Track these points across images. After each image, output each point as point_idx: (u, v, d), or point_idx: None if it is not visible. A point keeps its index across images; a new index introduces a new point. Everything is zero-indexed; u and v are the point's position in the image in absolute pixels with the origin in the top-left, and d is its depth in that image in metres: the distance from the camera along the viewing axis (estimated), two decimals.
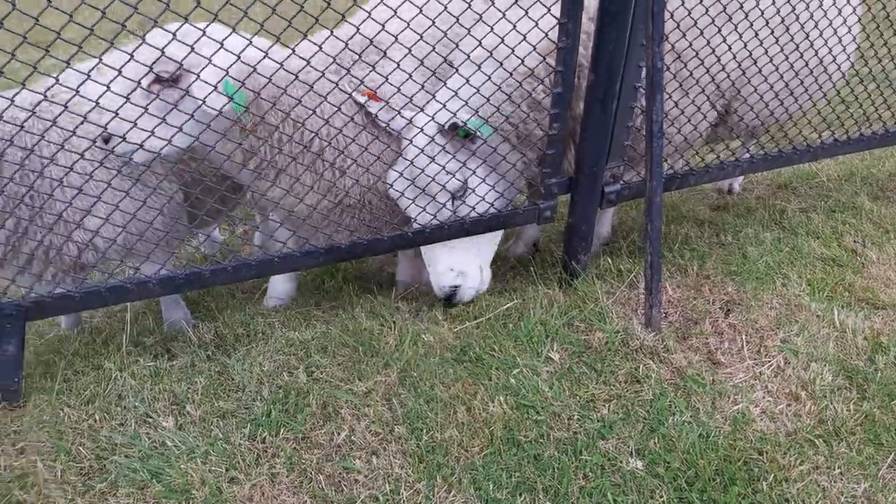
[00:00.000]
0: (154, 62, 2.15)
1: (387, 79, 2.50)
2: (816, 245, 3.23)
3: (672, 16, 2.56)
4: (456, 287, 2.82)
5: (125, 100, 2.09)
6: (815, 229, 3.39)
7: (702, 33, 2.69)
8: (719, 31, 2.69)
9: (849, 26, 3.10)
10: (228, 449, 2.18)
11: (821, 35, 2.93)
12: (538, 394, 2.34)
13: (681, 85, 2.79)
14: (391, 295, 3.15)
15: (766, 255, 3.12)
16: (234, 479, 2.09)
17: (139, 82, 2.19)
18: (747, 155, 3.29)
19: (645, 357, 2.50)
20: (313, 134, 2.51)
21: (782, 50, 2.85)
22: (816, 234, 3.35)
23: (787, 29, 2.82)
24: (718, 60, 2.76)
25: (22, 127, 2.13)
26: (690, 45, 2.69)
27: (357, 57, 2.54)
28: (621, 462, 2.10)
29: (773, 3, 2.74)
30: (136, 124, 2.11)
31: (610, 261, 3.08)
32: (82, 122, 2.07)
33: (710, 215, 3.72)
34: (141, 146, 2.20)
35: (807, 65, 2.99)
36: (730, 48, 2.74)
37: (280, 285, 3.30)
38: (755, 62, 2.82)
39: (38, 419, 2.33)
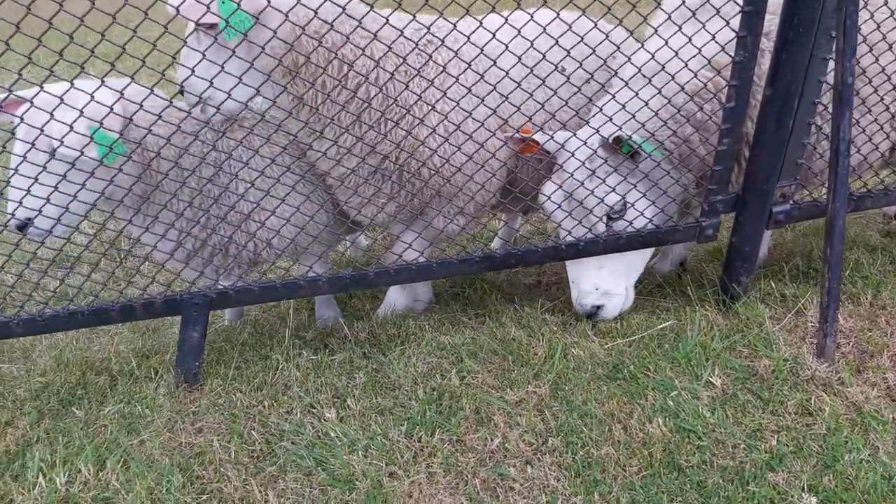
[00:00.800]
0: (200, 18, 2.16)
1: (542, 105, 2.53)
2: None
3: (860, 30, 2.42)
4: (598, 307, 2.76)
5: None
6: None
7: (891, 48, 2.52)
8: None
9: None
10: (387, 444, 2.25)
11: None
12: (699, 418, 2.26)
13: (864, 102, 2.62)
14: (536, 305, 3.15)
15: None
16: (394, 475, 2.15)
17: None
18: None
19: (817, 388, 2.35)
20: (362, 77, 2.40)
21: None
22: None
23: None
24: None
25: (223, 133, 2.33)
26: (877, 60, 2.53)
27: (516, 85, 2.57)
28: (793, 497, 1.98)
29: None
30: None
31: (773, 285, 2.93)
32: (275, 131, 2.21)
33: (881, 241, 3.45)
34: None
35: None
36: None
37: (422, 288, 3.37)
38: None
39: (213, 402, 2.51)
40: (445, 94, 2.46)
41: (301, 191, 2.60)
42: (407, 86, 2.43)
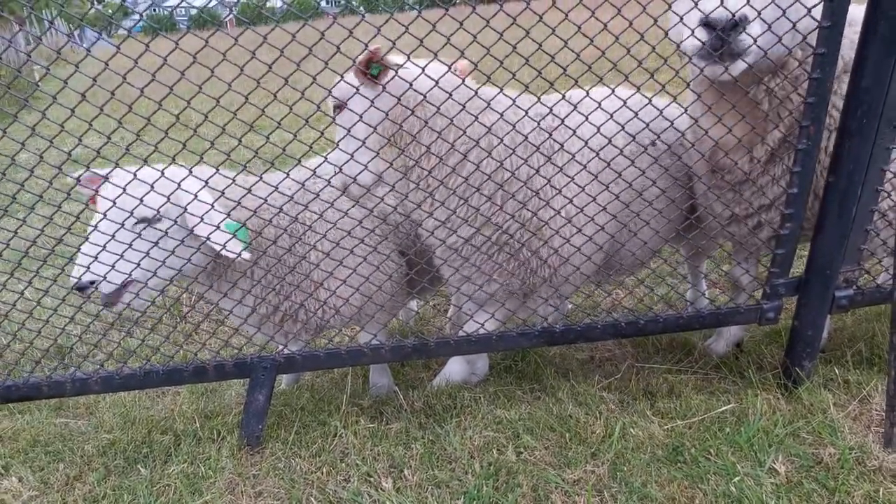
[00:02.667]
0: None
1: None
2: None
3: None
4: None
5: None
6: None
7: None
8: None
9: None
10: None
11: None
12: None
13: None
14: (592, 381, 3.14)
15: None
16: None
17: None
18: None
19: (885, 479, 2.29)
20: (463, 157, 2.48)
21: None
22: None
23: None
24: None
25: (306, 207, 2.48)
26: None
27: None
28: None
29: None
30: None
31: (836, 371, 2.88)
32: (354, 205, 2.33)
33: None
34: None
35: None
36: None
37: (480, 362, 3.40)
38: None
39: (273, 466, 2.55)
40: (573, 179, 2.54)
41: (371, 261, 2.70)
42: (525, 161, 2.53)
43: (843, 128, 2.36)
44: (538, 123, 2.52)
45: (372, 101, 2.35)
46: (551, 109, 2.55)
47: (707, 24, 2.09)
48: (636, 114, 2.59)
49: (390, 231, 2.83)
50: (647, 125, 2.64)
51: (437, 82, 2.37)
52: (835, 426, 2.52)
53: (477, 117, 2.40)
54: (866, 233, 2.61)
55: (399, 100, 2.34)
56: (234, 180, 2.36)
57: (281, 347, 2.62)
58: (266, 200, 2.49)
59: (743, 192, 2.68)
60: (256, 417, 2.52)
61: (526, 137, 2.50)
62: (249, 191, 2.40)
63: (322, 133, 2.33)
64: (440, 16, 2.20)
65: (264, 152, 2.45)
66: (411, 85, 2.31)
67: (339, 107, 2.46)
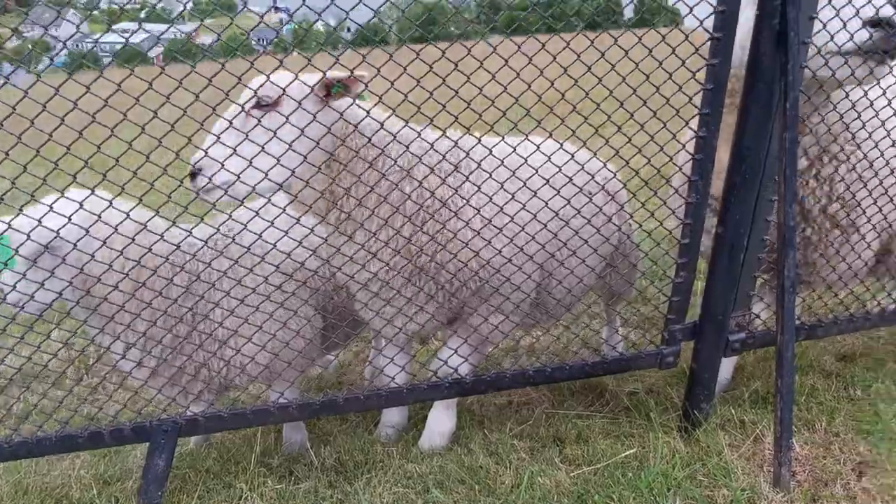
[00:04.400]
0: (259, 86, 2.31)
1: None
2: None
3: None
4: None
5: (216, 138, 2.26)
6: None
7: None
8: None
9: None
10: None
11: None
12: None
13: (853, 222, 2.85)
14: (505, 429, 3.17)
15: None
16: None
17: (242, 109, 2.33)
18: (878, 308, 3.19)
19: None
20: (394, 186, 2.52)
21: None
22: None
23: None
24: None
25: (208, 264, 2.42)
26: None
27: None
28: None
29: None
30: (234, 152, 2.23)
31: (733, 411, 3.01)
32: (260, 262, 2.30)
33: (836, 366, 3.57)
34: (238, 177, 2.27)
35: None
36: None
37: (396, 416, 3.37)
38: None
39: None
40: (479, 188, 2.57)
41: (279, 318, 2.66)
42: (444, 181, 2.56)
43: (729, 183, 2.51)
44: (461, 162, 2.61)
45: (314, 115, 2.30)
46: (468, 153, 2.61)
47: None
48: (560, 168, 2.67)
49: (300, 287, 2.81)
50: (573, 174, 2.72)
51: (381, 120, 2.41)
52: (728, 468, 2.62)
53: (408, 147, 2.49)
54: (754, 279, 2.77)
55: (341, 115, 2.39)
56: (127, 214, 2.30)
57: (183, 409, 2.54)
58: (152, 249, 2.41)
59: None
60: (156, 484, 2.43)
61: (456, 168, 2.58)
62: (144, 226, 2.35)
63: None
64: (380, 54, 2.22)
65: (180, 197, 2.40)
66: (341, 115, 2.38)
67: (264, 106, 2.32)
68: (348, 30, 2.81)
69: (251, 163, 2.21)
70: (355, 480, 2.71)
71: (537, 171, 2.62)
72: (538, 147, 2.65)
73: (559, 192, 2.63)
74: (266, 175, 2.26)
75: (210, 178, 2.24)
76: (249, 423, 2.54)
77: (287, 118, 2.28)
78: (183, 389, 2.69)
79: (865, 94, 2.61)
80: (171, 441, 2.42)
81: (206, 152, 2.26)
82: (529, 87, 2.39)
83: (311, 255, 2.69)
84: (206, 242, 2.51)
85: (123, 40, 2.57)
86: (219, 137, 2.23)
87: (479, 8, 2.50)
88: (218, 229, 2.55)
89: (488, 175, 2.53)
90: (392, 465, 2.81)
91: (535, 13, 2.52)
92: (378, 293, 2.63)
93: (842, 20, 2.27)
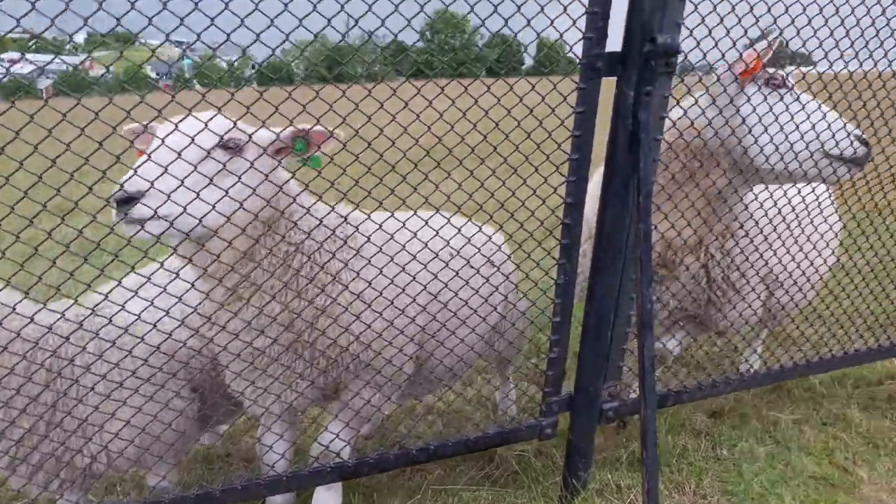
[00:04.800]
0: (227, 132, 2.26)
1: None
2: (808, 462, 3.31)
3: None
4: None
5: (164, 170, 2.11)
6: (808, 444, 3.48)
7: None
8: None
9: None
10: None
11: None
12: None
13: (743, 275, 3.25)
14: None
15: (761, 473, 3.19)
16: None
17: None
18: (736, 375, 3.44)
19: None
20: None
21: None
22: (808, 449, 3.43)
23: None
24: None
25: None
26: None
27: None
28: None
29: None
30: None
31: (609, 476, 3.14)
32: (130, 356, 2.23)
33: (706, 424, 3.79)
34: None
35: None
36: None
37: (279, 499, 3.27)
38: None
39: None
40: (347, 264, 2.59)
41: (148, 410, 2.57)
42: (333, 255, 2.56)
43: (595, 265, 2.67)
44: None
45: (252, 163, 2.26)
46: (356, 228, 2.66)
47: (866, 142, 2.82)
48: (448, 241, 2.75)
49: (180, 368, 2.73)
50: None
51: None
52: None
53: (322, 220, 2.53)
54: (623, 351, 2.93)
55: (266, 176, 2.33)
56: None
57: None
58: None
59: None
60: None
61: (345, 242, 2.62)
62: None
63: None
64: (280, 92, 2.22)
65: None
66: (281, 188, 2.34)
67: (230, 148, 2.26)
68: (254, 67, 2.79)
69: (200, 198, 2.15)
70: None
71: (429, 245, 2.69)
72: (426, 222, 2.70)
73: (436, 275, 2.71)
74: (204, 215, 2.19)
75: (155, 210, 2.08)
76: None
77: (252, 163, 2.27)
78: (45, 488, 2.55)
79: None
80: None
81: (152, 182, 2.08)
82: (429, 128, 2.38)
83: (191, 335, 2.62)
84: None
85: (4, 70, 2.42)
86: (166, 168, 2.10)
87: (384, 50, 2.52)
88: (93, 310, 2.46)
89: (355, 251, 2.58)
90: None
91: (437, 58, 2.57)
92: (253, 364, 2.58)
93: (831, 131, 2.81)
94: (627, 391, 3.18)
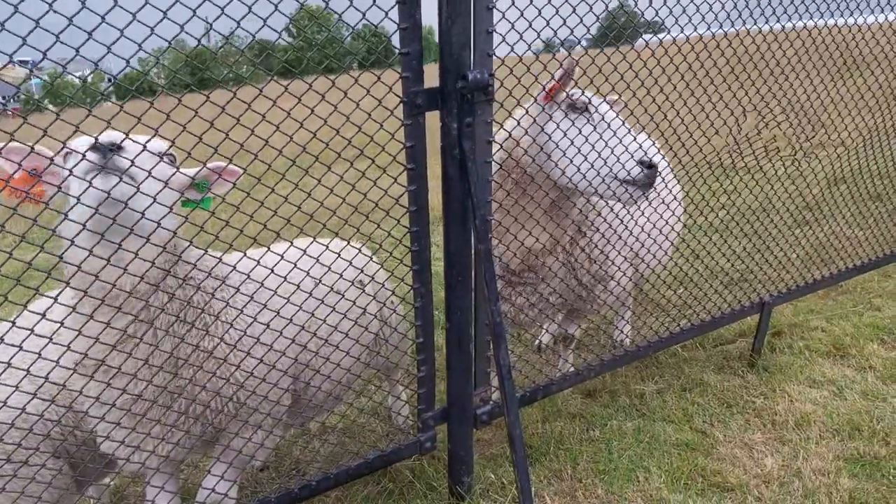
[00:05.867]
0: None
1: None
2: (672, 430, 3.60)
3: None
4: None
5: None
6: (670, 413, 3.78)
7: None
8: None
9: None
10: None
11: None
12: None
13: (605, 262, 3.48)
14: None
15: (629, 448, 3.45)
16: None
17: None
18: (598, 361, 3.69)
19: None
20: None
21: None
22: (671, 418, 3.73)
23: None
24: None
25: None
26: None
27: None
28: None
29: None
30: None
31: (493, 476, 3.30)
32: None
33: (580, 406, 4.05)
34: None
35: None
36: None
37: None
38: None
39: None
40: (228, 303, 2.59)
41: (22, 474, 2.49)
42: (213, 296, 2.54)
43: (447, 285, 2.79)
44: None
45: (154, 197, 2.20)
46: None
47: (650, 164, 2.93)
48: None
49: (41, 440, 2.64)
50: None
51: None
52: None
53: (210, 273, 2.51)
54: (488, 359, 3.09)
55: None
56: None
57: None
58: None
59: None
60: None
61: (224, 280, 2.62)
62: None
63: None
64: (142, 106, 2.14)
65: None
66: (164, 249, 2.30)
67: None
68: (110, 80, 2.68)
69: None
70: None
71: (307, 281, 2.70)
72: (282, 256, 2.71)
73: (300, 307, 2.74)
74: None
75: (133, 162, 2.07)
76: None
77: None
78: None
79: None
80: None
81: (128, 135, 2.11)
82: (302, 124, 2.34)
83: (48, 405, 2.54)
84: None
85: None
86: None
87: (249, 51, 2.46)
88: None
89: (235, 289, 2.59)
90: None
91: (305, 53, 2.53)
92: (130, 411, 2.50)
93: (615, 155, 2.99)
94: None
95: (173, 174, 2.35)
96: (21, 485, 2.53)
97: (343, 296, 2.91)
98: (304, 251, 2.74)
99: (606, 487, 3.17)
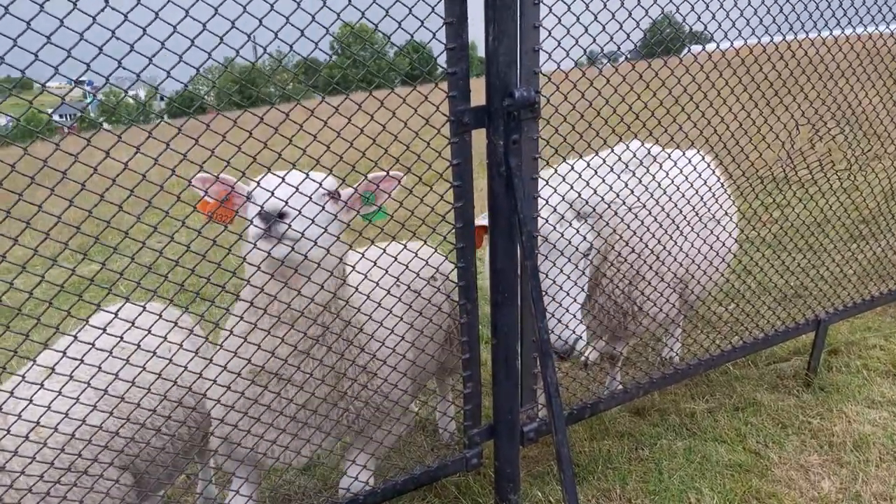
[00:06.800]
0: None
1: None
2: (724, 451, 3.52)
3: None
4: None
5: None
6: (722, 433, 3.69)
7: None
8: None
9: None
10: None
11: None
12: None
13: (652, 280, 3.44)
14: None
15: (680, 469, 3.38)
16: None
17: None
18: (646, 379, 3.62)
19: None
20: None
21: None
22: (723, 438, 3.65)
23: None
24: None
25: None
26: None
27: None
28: None
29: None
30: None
31: (540, 494, 3.27)
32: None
33: (629, 424, 3.99)
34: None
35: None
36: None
37: None
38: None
39: None
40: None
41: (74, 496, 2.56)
42: None
43: (493, 302, 2.79)
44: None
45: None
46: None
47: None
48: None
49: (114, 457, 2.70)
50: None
51: None
52: None
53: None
54: (536, 375, 3.07)
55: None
56: None
57: None
58: None
59: None
60: None
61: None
62: None
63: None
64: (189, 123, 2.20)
65: None
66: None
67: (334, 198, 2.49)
68: (162, 98, 2.78)
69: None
70: None
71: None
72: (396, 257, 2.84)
73: (410, 305, 2.80)
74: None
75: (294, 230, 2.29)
76: None
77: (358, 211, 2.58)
78: None
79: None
80: None
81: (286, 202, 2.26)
82: (352, 144, 2.41)
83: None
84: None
85: None
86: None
87: (294, 68, 2.53)
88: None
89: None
90: None
91: (351, 70, 2.58)
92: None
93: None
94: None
95: (340, 209, 2.53)
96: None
97: (419, 294, 3.05)
98: (396, 258, 2.82)
99: None
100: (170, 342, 2.46)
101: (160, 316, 2.41)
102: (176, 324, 2.50)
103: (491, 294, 2.81)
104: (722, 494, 3.16)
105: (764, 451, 3.51)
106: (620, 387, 3.97)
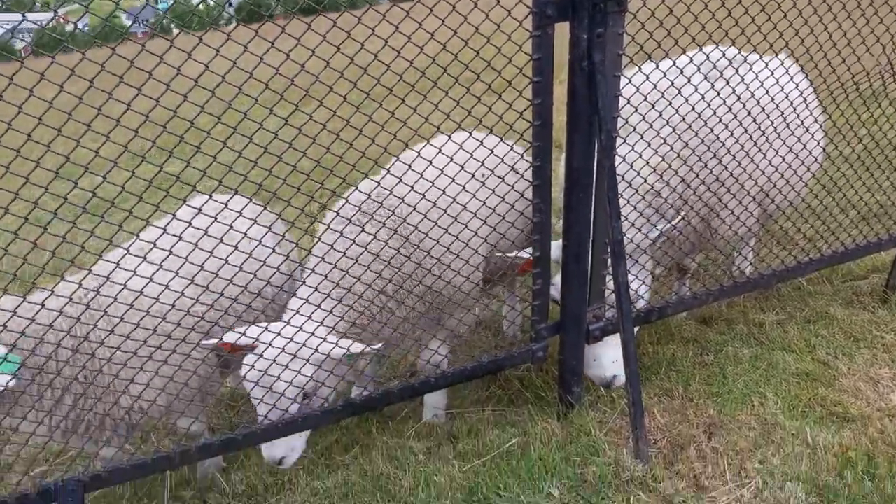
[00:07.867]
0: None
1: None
2: (791, 360, 3.52)
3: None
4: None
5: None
6: (790, 343, 3.68)
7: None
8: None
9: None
10: None
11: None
12: None
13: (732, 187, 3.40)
14: (404, 430, 3.45)
15: (745, 374, 3.41)
16: None
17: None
18: (716, 286, 3.60)
19: (635, 488, 2.76)
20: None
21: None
22: (791, 348, 3.64)
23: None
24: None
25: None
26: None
27: None
28: None
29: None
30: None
31: (602, 389, 3.38)
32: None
33: (695, 332, 4.01)
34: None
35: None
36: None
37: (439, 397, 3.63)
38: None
39: None
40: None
41: (172, 361, 2.82)
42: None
43: (567, 201, 2.81)
44: None
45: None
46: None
47: None
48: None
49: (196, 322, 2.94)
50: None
51: None
52: (597, 446, 2.98)
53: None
54: (604, 276, 3.11)
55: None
56: None
57: (86, 467, 2.68)
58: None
59: None
60: None
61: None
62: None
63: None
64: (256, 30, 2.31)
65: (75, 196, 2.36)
66: None
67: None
68: (230, 4, 2.85)
69: None
70: (265, 503, 2.93)
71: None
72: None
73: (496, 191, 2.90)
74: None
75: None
76: (154, 470, 2.70)
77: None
78: (90, 438, 2.83)
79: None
80: (78, 499, 2.57)
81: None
82: (422, 49, 2.47)
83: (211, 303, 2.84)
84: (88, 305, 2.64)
85: None
86: None
87: None
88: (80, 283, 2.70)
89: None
90: (300, 483, 3.05)
91: None
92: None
93: None
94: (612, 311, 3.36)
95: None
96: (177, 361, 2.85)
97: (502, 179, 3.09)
98: (469, 149, 2.88)
99: (719, 409, 3.17)
100: (251, 237, 2.68)
101: (240, 213, 2.57)
102: (255, 221, 2.69)
103: (565, 195, 2.83)
104: (786, 400, 3.19)
105: (833, 361, 3.49)
106: (689, 293, 3.97)
